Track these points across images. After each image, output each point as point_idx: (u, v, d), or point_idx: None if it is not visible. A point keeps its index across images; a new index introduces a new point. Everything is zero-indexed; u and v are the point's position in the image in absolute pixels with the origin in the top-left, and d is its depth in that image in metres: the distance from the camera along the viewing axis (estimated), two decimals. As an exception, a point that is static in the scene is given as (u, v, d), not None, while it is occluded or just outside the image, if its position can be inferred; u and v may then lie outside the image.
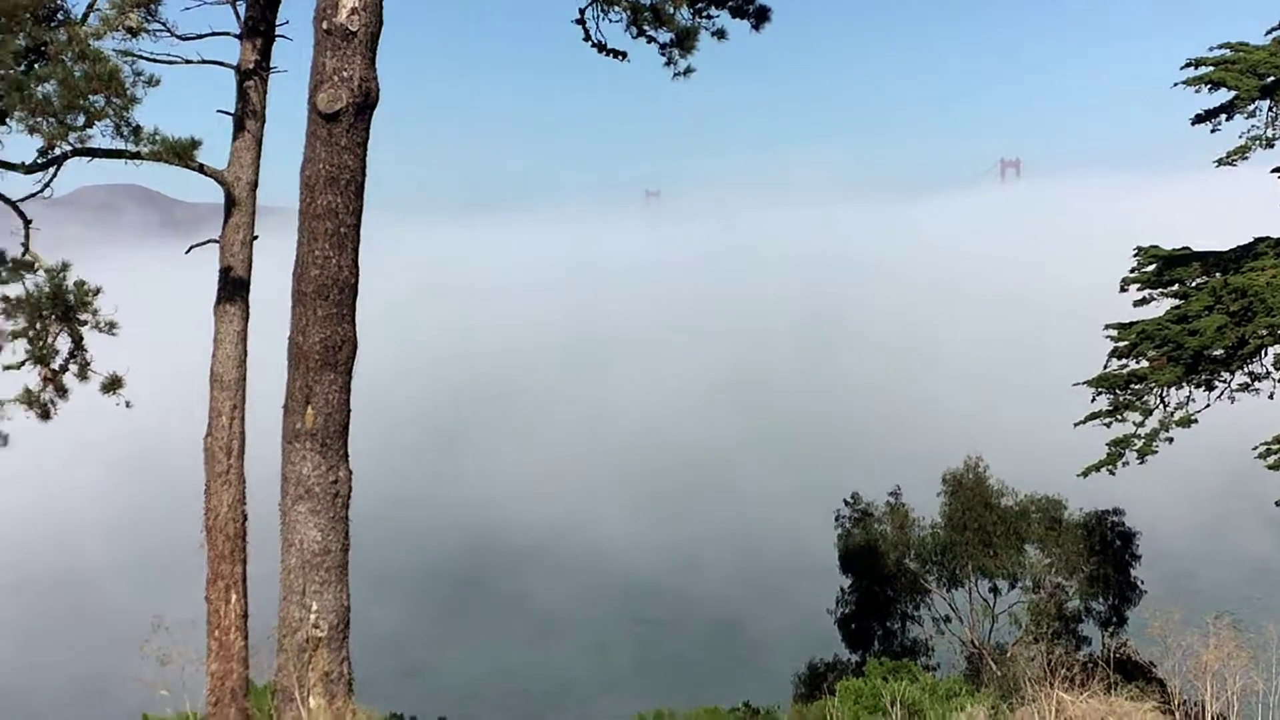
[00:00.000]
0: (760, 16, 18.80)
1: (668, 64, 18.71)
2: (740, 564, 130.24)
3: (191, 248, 18.08)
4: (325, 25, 14.29)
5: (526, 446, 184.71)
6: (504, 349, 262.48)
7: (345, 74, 14.33)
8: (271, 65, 17.77)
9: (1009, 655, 38.34)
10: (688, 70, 18.82)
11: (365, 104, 14.60)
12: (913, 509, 43.24)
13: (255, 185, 17.61)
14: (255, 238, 17.67)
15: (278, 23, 17.75)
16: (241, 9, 17.63)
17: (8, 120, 15.64)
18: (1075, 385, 33.53)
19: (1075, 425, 33.34)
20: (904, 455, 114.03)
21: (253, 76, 17.53)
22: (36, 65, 15.27)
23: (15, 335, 16.97)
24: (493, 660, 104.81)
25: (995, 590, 41.59)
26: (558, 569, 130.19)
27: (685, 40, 18.42)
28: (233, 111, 17.56)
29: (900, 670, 27.50)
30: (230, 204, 17.55)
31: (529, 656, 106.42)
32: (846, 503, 44.45)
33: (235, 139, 17.51)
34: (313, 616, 15.13)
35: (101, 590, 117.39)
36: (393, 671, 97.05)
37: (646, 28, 18.36)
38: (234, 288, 17.49)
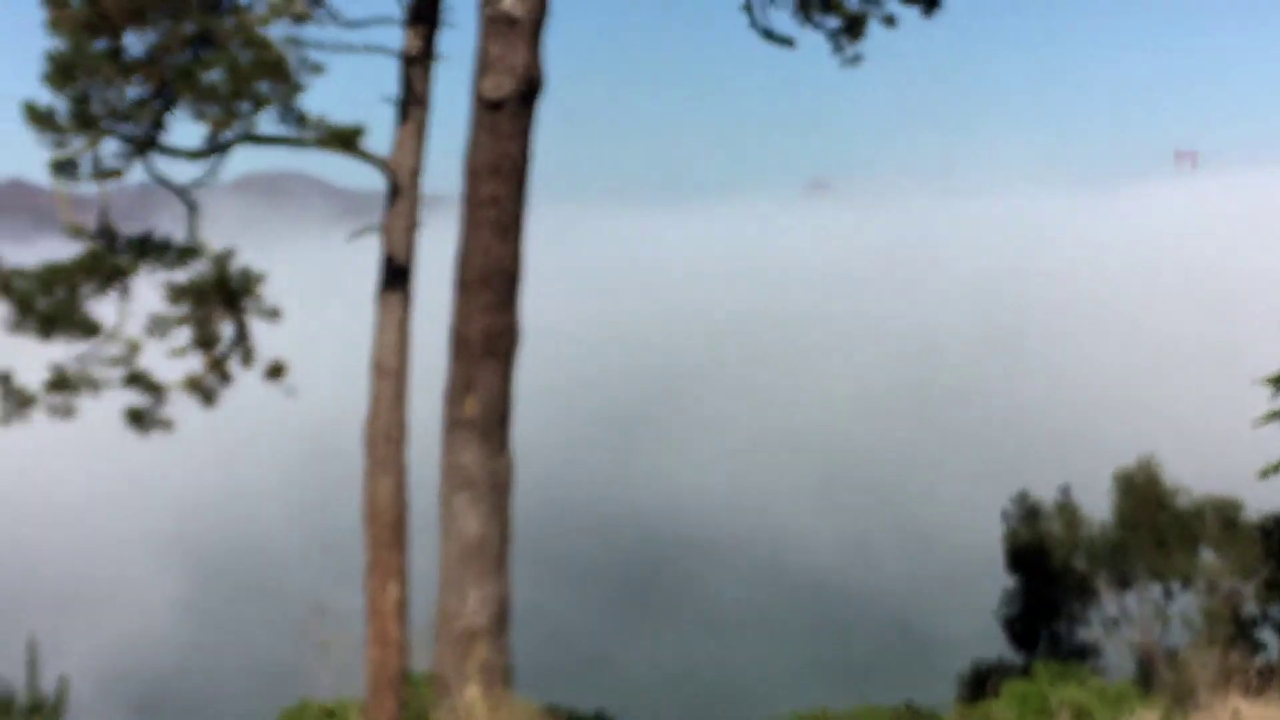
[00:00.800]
0: (931, 2, 18.38)
1: (836, 51, 18.40)
2: (910, 560, 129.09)
3: (354, 235, 18.16)
4: (490, 12, 14.25)
5: (700, 438, 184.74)
6: (673, 340, 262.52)
7: (510, 61, 14.27)
8: (436, 52, 17.78)
9: (1182, 660, 37.27)
10: (856, 58, 18.49)
11: (529, 91, 14.53)
12: (1082, 507, 42.19)
13: (419, 173, 17.60)
14: (419, 225, 17.68)
15: (443, 9, 17.75)
16: (407, -5, 17.67)
17: (177, 107, 15.88)
18: (1255, 383, 32.42)
19: (1254, 425, 32.25)
20: (1077, 451, 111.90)
21: (417, 63, 17.52)
22: (204, 52, 15.47)
23: (180, 321, 17.22)
24: (665, 652, 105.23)
25: (1168, 593, 40.44)
26: (731, 562, 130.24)
27: (854, 27, 18.09)
28: (397, 98, 17.59)
29: (1068, 673, 26.83)
30: (394, 191, 17.57)
31: (699, 649, 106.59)
32: (1014, 500, 43.55)
33: (399, 126, 17.52)
34: (472, 606, 15.12)
35: (270, 575, 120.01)
36: (568, 662, 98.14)
37: (814, 14, 18.06)
38: (396, 275, 17.51)
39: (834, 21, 18.11)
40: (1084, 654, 40.03)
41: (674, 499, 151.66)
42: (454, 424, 15.21)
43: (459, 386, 15.13)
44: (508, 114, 14.41)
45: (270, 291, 17.21)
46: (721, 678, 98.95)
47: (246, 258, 17.30)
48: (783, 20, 18.29)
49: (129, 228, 17.20)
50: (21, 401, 16.89)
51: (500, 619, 15.30)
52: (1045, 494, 43.14)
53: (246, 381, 17.61)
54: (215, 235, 17.50)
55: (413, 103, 17.47)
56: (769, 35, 18.32)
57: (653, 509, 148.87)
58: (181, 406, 17.33)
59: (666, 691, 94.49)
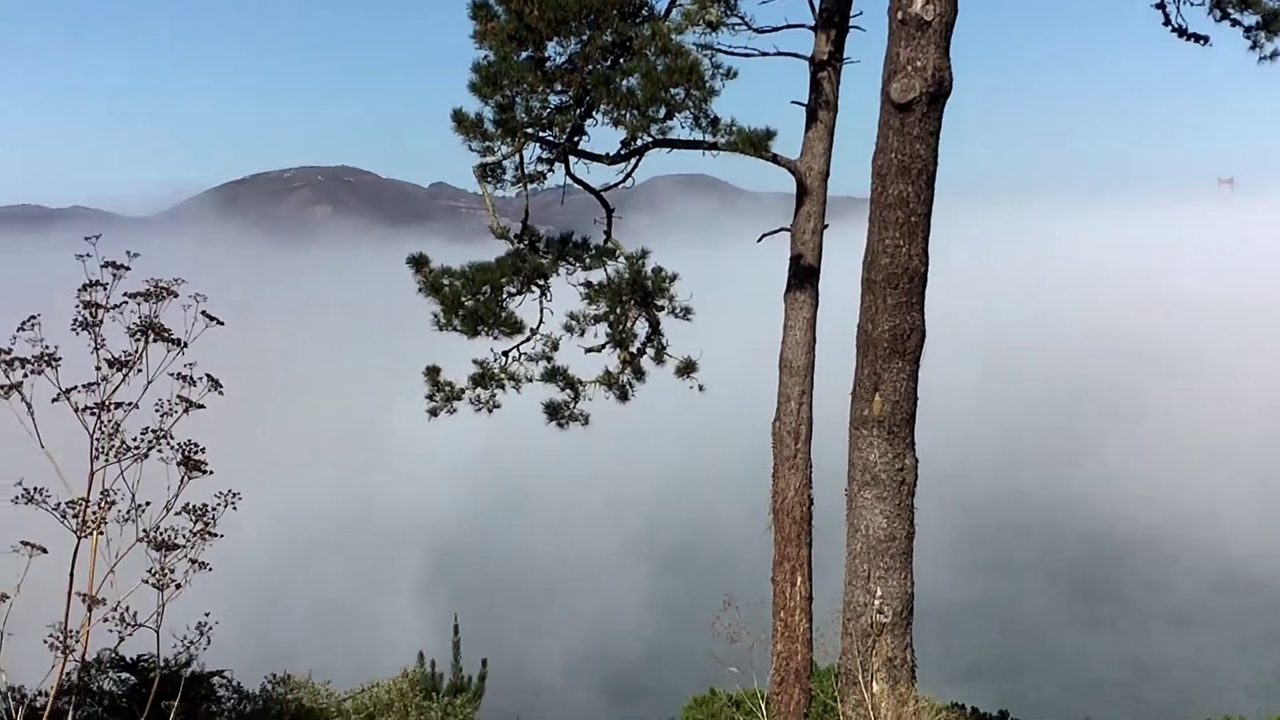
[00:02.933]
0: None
1: (1253, 48, 17.65)
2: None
3: (763, 236, 18.50)
4: (900, 15, 14.25)
5: (1139, 437, 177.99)
6: (1095, 339, 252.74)
7: (919, 64, 14.23)
8: (845, 56, 17.97)
9: None
10: (1274, 54, 17.68)
11: (938, 93, 14.47)
12: None
13: (827, 175, 17.84)
14: (826, 226, 17.90)
15: (852, 14, 17.93)
16: (817, 1, 17.91)
17: (595, 113, 16.55)
18: None
19: None
20: None
21: (826, 67, 17.77)
22: (621, 60, 16.06)
23: (597, 319, 17.92)
24: (1117, 651, 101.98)
25: None
26: (1179, 561, 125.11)
27: (1273, 22, 17.30)
28: (806, 102, 17.86)
29: None
30: (802, 193, 17.86)
31: (1155, 648, 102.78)
32: None
33: (808, 129, 17.80)
34: (877, 602, 15.20)
35: (684, 564, 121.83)
36: (1022, 658, 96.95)
37: (1231, 10, 17.38)
38: (804, 275, 17.79)
39: (1251, 18, 17.40)
40: None
41: (1118, 496, 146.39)
42: (860, 422, 15.31)
43: (866, 385, 15.21)
44: (916, 116, 14.39)
45: (680, 291, 17.74)
46: (1184, 679, 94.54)
47: (655, 258, 17.86)
48: (1197, 18, 17.71)
49: (546, 229, 18.02)
50: (450, 395, 17.90)
51: (905, 614, 15.35)
52: None
53: (656, 378, 18.20)
54: (625, 237, 18.13)
55: (821, 106, 17.72)
56: (1183, 33, 17.76)
57: (1095, 509, 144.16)
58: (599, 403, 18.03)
59: (1118, 690, 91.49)
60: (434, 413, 17.97)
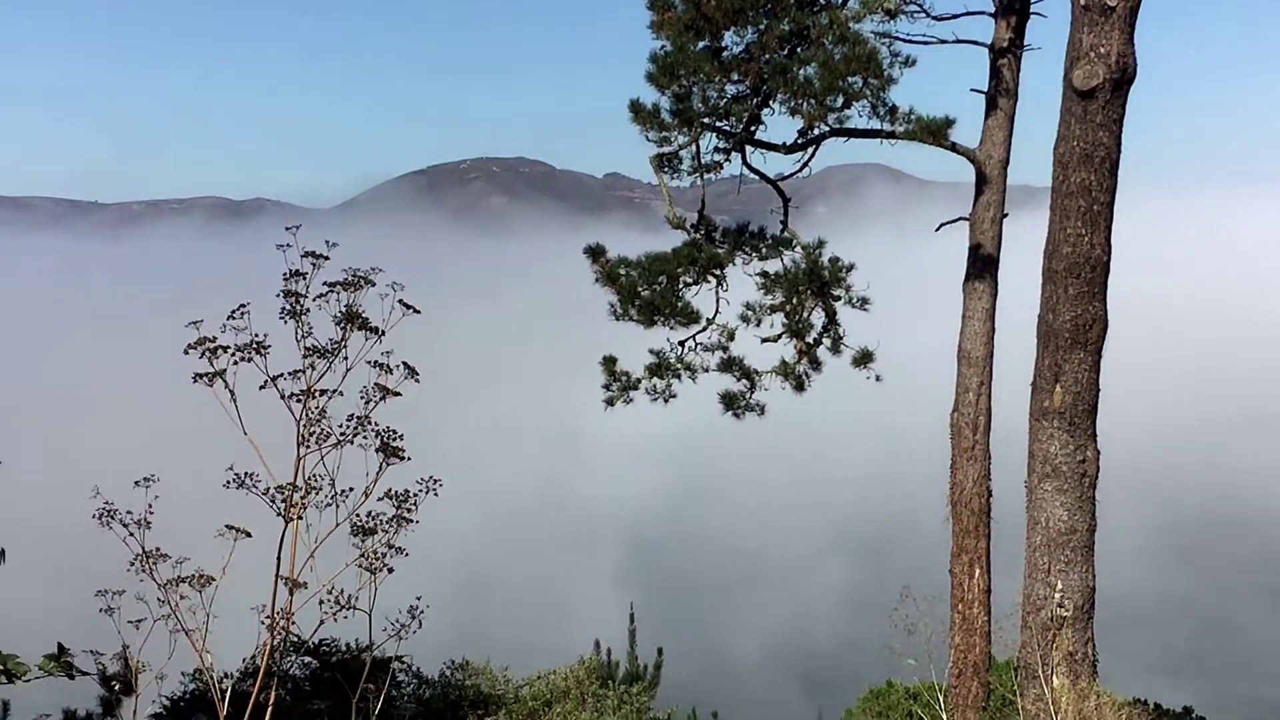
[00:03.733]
0: None
1: None
2: None
3: (941, 225, 18.34)
4: (1083, 1, 14.03)
5: None
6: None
7: (1102, 49, 13.99)
8: (1025, 43, 17.72)
9: None
10: None
11: (1122, 80, 14.21)
12: None
13: (1006, 163, 17.62)
14: (1005, 215, 17.68)
15: (1033, 0, 17.68)
16: (997, -12, 17.70)
17: (771, 102, 16.56)
18: None
19: None
20: None
21: (1007, 54, 17.55)
22: (799, 49, 16.03)
23: (773, 309, 17.91)
24: None
25: None
26: None
27: None
28: (985, 90, 17.65)
29: None
30: (981, 182, 17.66)
31: None
32: None
33: (987, 117, 17.59)
34: (1057, 595, 15.01)
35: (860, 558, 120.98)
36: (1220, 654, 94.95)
37: None
38: (983, 265, 17.60)
39: None
40: None
41: None
42: (1041, 414, 15.11)
43: (1046, 376, 15.01)
44: (1099, 103, 14.14)
45: (857, 281, 17.65)
46: None
47: (831, 249, 17.80)
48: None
49: (722, 219, 18.08)
50: (626, 385, 18.07)
51: (1086, 608, 15.13)
52: None
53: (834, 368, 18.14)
54: (800, 227, 18.10)
55: (1001, 94, 17.50)
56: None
57: None
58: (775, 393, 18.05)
59: None
60: (610, 402, 18.15)
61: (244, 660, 13.08)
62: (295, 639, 6.88)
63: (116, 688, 11.73)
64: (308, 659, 16.70)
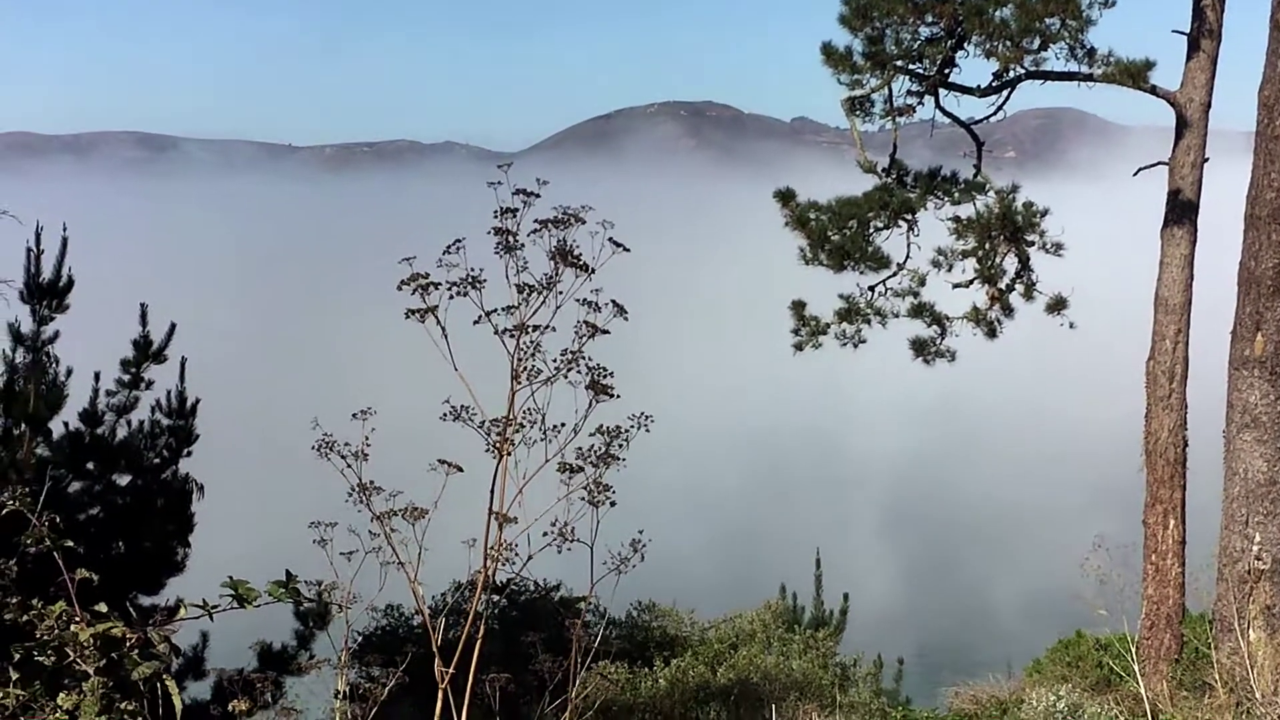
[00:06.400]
0: None
1: None
2: None
3: (1140, 170, 17.98)
4: (1296, -59, 13.67)
5: None
6: None
7: (1314, -13, 13.66)
8: (1232, -18, 17.24)
9: None
10: None
11: (1335, 16, 13.86)
12: None
13: (1208, 107, 17.16)
14: (1206, 160, 17.26)
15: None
16: (1207, -71, 17.19)
17: (966, 45, 16.38)
18: None
19: None
20: None
21: (1211, -5, 17.09)
22: (996, -11, 15.80)
23: (965, 254, 17.74)
24: None
25: None
26: None
27: None
28: (1187, 31, 17.21)
29: None
30: (1181, 126, 17.24)
31: None
32: None
33: (1189, 59, 17.14)
34: (1255, 548, 14.80)
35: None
36: None
37: None
38: (1182, 210, 17.22)
39: None
40: None
41: None
42: (1240, 363, 14.86)
43: (1247, 325, 14.74)
44: (1310, 41, 13.82)
45: (1051, 226, 17.40)
46: None
47: (1024, 193, 17.57)
48: None
49: (912, 163, 17.94)
50: (815, 330, 18.09)
51: (1286, 562, 14.89)
52: None
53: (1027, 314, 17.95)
54: (991, 172, 17.89)
55: (1204, 35, 17.02)
56: None
57: None
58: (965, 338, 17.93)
59: None
60: (799, 347, 18.19)
61: (434, 597, 13.44)
62: (501, 578, 7.06)
63: (313, 621, 12.19)
64: (495, 597, 17.14)
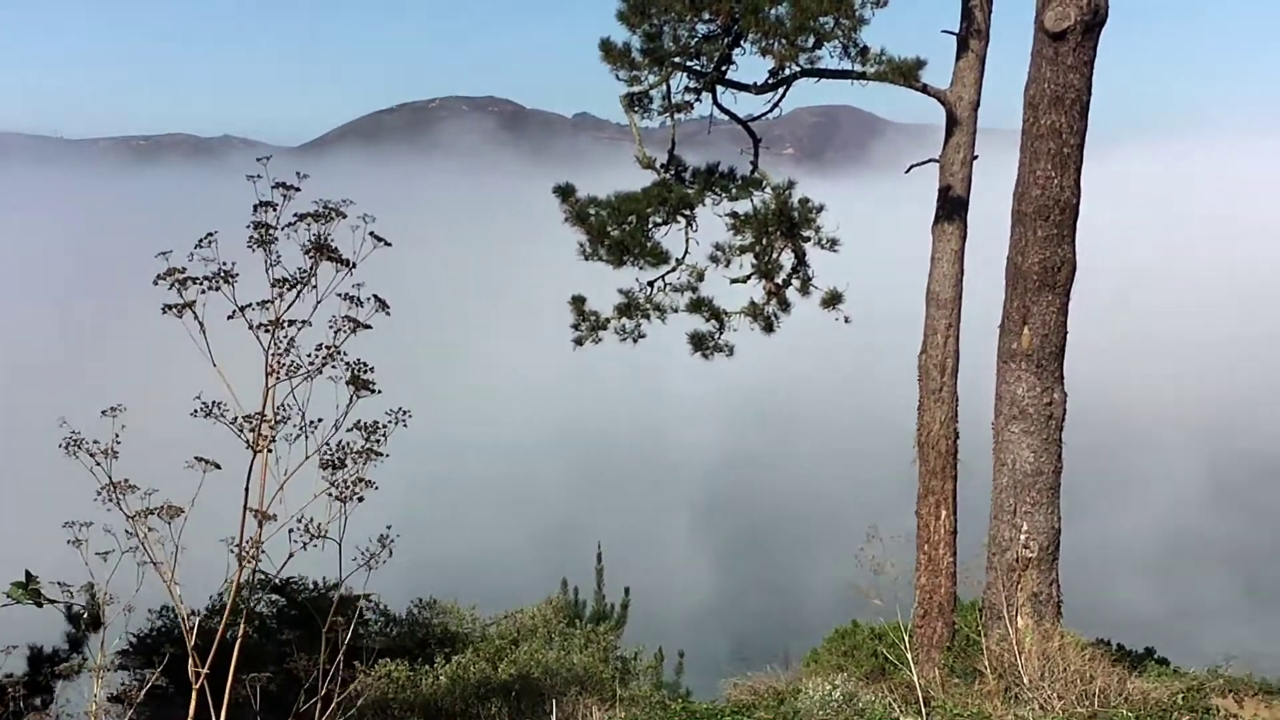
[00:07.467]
0: None
1: None
2: None
3: (911, 167, 18.33)
4: (1055, -59, 14.01)
5: None
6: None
7: (1075, -8, 14.03)
8: (998, -16, 17.65)
9: None
10: None
11: (1094, 22, 14.24)
12: None
13: (977, 105, 17.59)
14: (975, 157, 17.68)
15: (1006, -59, 17.60)
16: (970, -72, 17.58)
17: (743, 42, 16.46)
18: None
19: None
20: None
21: (979, -5, 17.49)
22: (772, -12, 15.90)
23: (743, 250, 17.85)
24: None
25: None
26: None
27: None
28: (957, 31, 17.59)
29: None
30: (951, 124, 17.63)
31: None
32: None
33: (959, 58, 17.53)
34: (1023, 537, 15.17)
35: (792, 496, 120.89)
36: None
37: None
38: (953, 207, 17.60)
39: None
40: None
41: None
42: (1008, 356, 15.23)
43: (1014, 319, 15.12)
44: (1070, 45, 14.17)
45: (827, 223, 17.60)
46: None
47: (799, 189, 17.73)
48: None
49: (691, 160, 17.98)
50: (595, 325, 18.02)
51: (1051, 550, 15.30)
52: None
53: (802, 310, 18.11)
54: (768, 168, 18.03)
55: (972, 35, 17.43)
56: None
57: None
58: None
59: None
60: (579, 342, 18.09)
61: (210, 597, 13.07)
62: (264, 574, 6.86)
63: (85, 623, 11.72)
64: (275, 596, 16.72)
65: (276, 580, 15.84)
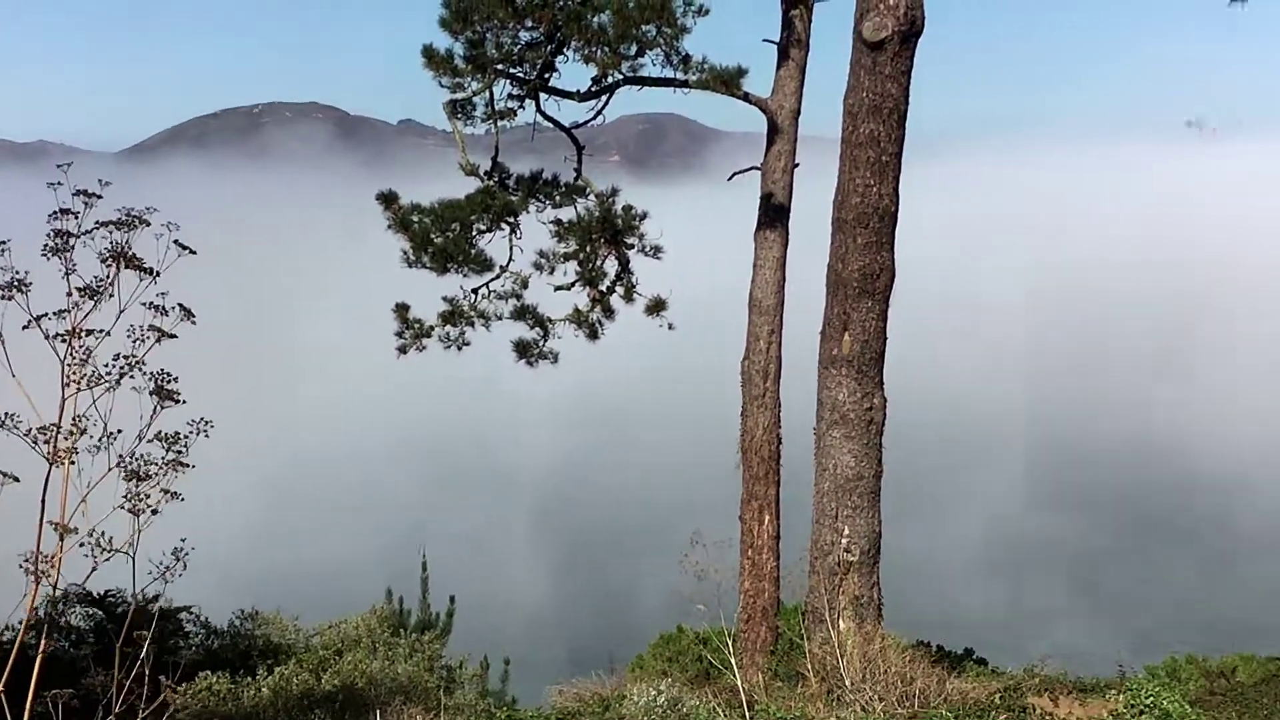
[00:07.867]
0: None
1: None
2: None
3: (733, 175, 18.47)
4: (872, -47, 14.20)
5: (1211, 374, 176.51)
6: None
7: (891, 2, 14.22)
8: (817, -6, 17.87)
9: None
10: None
11: (911, 32, 14.46)
12: None
13: (798, 113, 17.79)
14: (796, 165, 17.87)
15: (824, -48, 17.81)
16: (789, -62, 17.77)
17: (565, 50, 16.43)
18: None
19: None
20: None
21: (798, 5, 17.68)
22: (594, -3, 15.91)
23: (567, 257, 17.83)
24: (1172, 591, 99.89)
25: None
26: (1253, 500, 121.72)
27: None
28: (778, 40, 17.77)
29: None
30: (773, 131, 17.80)
31: (1206, 590, 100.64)
32: None
33: (779, 67, 17.73)
34: (844, 541, 15.35)
35: (624, 503, 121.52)
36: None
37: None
38: (775, 214, 17.77)
39: None
40: None
41: (1193, 435, 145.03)
42: (830, 361, 15.40)
43: (835, 324, 15.29)
44: (888, 55, 14.39)
45: (650, 230, 17.64)
46: (1226, 619, 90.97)
47: (624, 197, 17.76)
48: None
49: (516, 167, 17.89)
50: (419, 333, 17.83)
51: (872, 553, 15.51)
52: None
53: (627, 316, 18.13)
54: (594, 175, 18.02)
55: (793, 45, 17.63)
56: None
57: (1165, 444, 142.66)
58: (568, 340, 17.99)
59: (1167, 629, 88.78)
60: (403, 350, 17.89)
61: (28, 612, 12.61)
62: (78, 589, 6.64)
63: None
64: (92, 610, 16.22)
65: (95, 594, 15.43)
